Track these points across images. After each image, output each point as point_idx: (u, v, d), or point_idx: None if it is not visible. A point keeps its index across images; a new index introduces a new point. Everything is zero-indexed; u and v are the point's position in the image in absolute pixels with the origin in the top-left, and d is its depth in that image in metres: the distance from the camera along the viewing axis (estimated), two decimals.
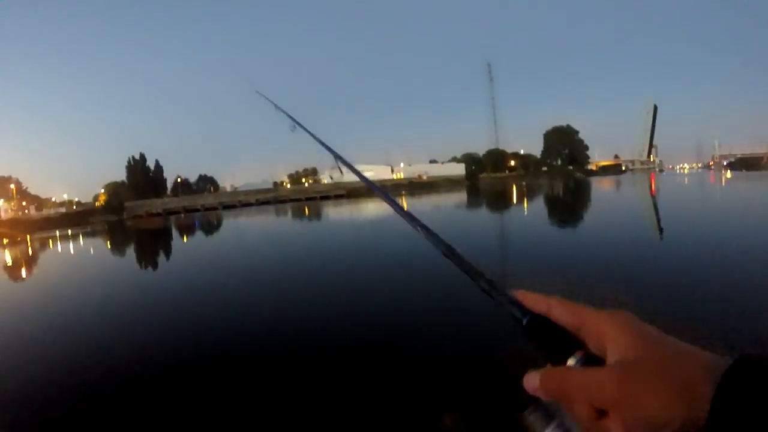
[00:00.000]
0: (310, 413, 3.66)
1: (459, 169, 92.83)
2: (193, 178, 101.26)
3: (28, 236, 38.21)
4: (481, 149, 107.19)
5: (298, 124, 0.99)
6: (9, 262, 21.09)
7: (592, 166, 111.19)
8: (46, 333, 6.95)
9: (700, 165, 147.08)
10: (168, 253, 19.58)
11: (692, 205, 21.06)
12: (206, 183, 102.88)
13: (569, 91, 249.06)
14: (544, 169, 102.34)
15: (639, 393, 0.33)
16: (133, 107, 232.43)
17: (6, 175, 72.32)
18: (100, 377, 4.83)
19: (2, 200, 64.64)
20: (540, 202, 30.30)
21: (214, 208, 61.04)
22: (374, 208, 30.62)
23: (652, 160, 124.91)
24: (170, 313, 7.72)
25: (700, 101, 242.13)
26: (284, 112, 1.06)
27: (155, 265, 16.12)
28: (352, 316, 6.33)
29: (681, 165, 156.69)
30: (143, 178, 78.18)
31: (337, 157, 0.87)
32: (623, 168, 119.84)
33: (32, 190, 77.74)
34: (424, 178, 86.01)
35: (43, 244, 29.93)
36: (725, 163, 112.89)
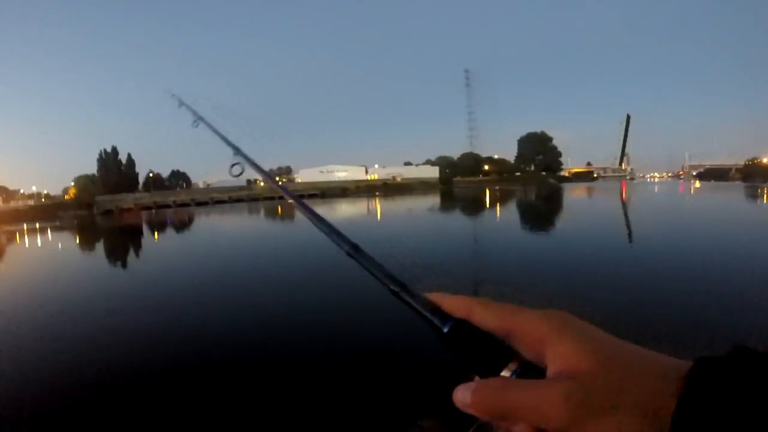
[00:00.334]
0: (283, 419, 3.77)
1: (433, 172, 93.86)
2: (165, 174, 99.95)
3: None
4: (456, 153, 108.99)
5: (201, 118, 0.96)
6: None
7: (565, 173, 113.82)
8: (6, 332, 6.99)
9: (670, 174, 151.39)
10: (138, 251, 19.95)
11: (660, 214, 22.31)
12: (179, 179, 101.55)
13: (545, 99, 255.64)
14: (518, 174, 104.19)
15: (592, 411, 0.28)
16: (106, 101, 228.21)
17: None
18: (57, 377, 4.92)
19: None
20: (512, 208, 31.54)
21: (186, 205, 60.67)
22: (346, 210, 31.33)
23: (624, 168, 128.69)
24: (141, 312, 7.90)
25: (673, 114, 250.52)
26: (187, 106, 1.03)
27: (123, 263, 16.49)
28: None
29: (652, 174, 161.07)
30: (115, 172, 76.81)
31: (239, 152, 0.77)
32: (595, 175, 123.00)
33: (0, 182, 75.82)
34: (399, 180, 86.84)
35: (10, 239, 29.66)
36: (694, 174, 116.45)
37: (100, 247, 23.30)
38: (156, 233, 27.77)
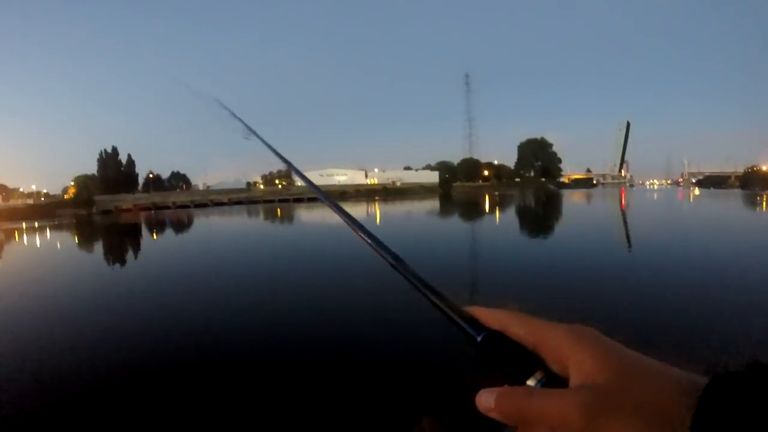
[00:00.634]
0: (282, 418, 3.77)
1: (433, 177, 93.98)
2: (165, 175, 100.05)
3: None
4: (455, 158, 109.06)
5: (253, 132, 0.95)
6: None
7: (564, 179, 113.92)
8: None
9: (669, 181, 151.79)
10: (137, 250, 19.98)
11: (660, 220, 22.32)
12: (179, 180, 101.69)
13: (545, 104, 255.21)
14: (517, 180, 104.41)
15: (609, 421, 0.29)
16: (107, 101, 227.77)
17: None
18: (55, 376, 4.87)
19: None
20: (511, 213, 31.52)
21: (186, 206, 60.71)
22: (348, 211, 31.12)
23: (623, 175, 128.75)
24: (140, 312, 7.83)
25: (673, 121, 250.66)
26: (240, 120, 1.03)
27: (122, 262, 16.49)
28: (316, 325, 6.43)
29: (651, 181, 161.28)
30: (114, 172, 76.84)
31: (290, 165, 0.85)
32: (595, 182, 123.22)
33: None
34: (398, 184, 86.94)
35: (9, 236, 29.64)
36: (694, 181, 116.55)
37: (98, 246, 23.30)
38: (155, 233, 27.76)
